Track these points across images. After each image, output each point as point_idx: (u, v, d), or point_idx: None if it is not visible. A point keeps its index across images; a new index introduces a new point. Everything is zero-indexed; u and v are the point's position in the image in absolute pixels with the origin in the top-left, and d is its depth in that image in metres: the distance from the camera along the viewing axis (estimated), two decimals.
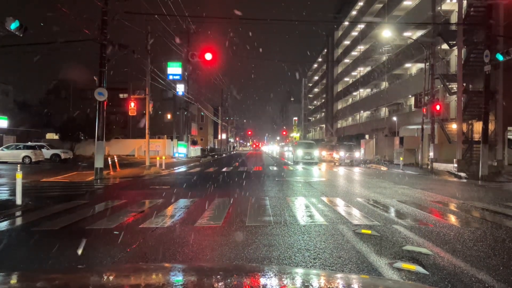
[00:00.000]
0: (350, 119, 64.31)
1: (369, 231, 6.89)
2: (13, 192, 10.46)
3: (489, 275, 4.68)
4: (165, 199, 10.94)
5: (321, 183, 16.72)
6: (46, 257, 5.59)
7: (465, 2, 25.48)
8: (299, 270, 3.27)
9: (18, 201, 9.71)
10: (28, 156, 27.51)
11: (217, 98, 68.27)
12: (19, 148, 28.42)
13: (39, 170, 21.33)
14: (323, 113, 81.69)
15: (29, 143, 31.73)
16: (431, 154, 25.00)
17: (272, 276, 1.87)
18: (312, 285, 1.77)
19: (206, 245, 6.15)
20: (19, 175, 9.99)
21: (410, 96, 37.54)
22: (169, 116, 50.75)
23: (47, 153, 30.33)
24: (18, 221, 8.47)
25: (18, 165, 11.32)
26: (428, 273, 4.70)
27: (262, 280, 1.77)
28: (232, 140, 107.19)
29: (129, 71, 32.17)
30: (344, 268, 4.98)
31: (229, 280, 1.78)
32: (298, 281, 1.85)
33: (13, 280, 1.85)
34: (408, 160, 29.92)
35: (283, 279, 1.83)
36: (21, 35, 12.06)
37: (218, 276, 1.88)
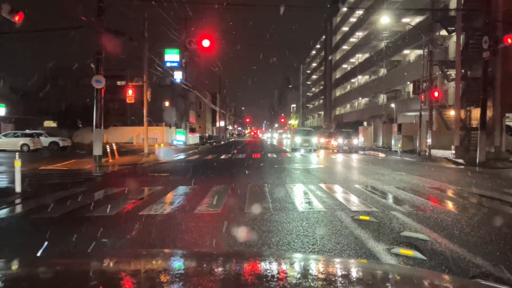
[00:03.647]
0: (348, 106, 64.29)
1: (367, 217, 6.94)
2: (12, 180, 10.48)
3: (485, 260, 4.73)
4: (164, 186, 10.96)
5: (320, 170, 16.77)
6: (46, 244, 5.62)
7: None
8: (298, 255, 3.30)
9: (18, 188, 9.73)
10: (26, 144, 27.45)
11: (215, 84, 68.11)
12: (17, 136, 28.35)
13: (38, 158, 21.31)
14: (321, 100, 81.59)
15: (27, 130, 31.64)
16: (429, 140, 25.04)
17: (272, 261, 1.89)
18: (311, 270, 1.79)
19: (206, 231, 6.19)
20: (17, 163, 9.99)
21: (408, 82, 37.49)
22: (167, 104, 50.59)
23: (45, 141, 30.28)
24: (18, 208, 8.50)
25: (17, 153, 11.29)
26: (425, 258, 4.75)
27: (262, 265, 1.78)
28: (230, 127, 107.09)
29: (126, 58, 32.00)
30: (343, 254, 5.03)
31: (228, 265, 1.80)
32: (297, 266, 1.87)
33: (14, 266, 1.86)
34: (406, 146, 29.96)
35: (282, 264, 1.84)
36: (16, 22, 11.96)
37: (218, 262, 1.89)
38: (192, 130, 49.92)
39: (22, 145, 27.33)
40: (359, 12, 51.98)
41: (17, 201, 9.01)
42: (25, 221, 7.32)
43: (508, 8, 20.38)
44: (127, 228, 6.36)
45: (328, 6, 60.98)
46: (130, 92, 27.92)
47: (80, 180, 13.09)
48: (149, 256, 2.20)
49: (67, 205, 8.23)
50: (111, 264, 1.91)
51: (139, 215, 7.26)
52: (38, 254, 4.99)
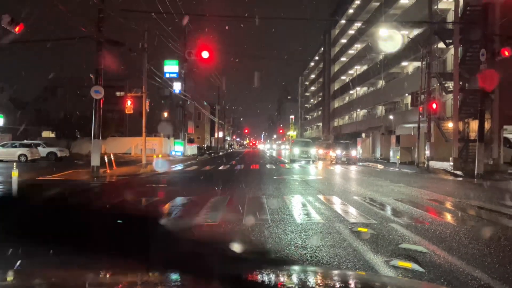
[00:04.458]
0: (346, 117, 64.42)
1: (365, 229, 6.91)
2: (8, 190, 10.42)
3: (484, 272, 4.70)
4: (162, 197, 10.93)
5: (318, 181, 16.74)
6: (42, 256, 5.57)
7: (461, 1, 25.54)
8: (296, 267, 3.27)
9: None
10: (24, 154, 27.35)
11: (214, 96, 68.22)
12: (15, 146, 28.27)
13: (35, 168, 21.24)
14: (320, 112, 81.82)
15: (25, 141, 31.57)
16: (427, 152, 25.06)
17: (270, 273, 1.87)
18: (309, 282, 1.78)
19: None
20: (15, 173, 9.97)
21: (406, 94, 37.60)
22: (165, 114, 50.68)
23: (43, 151, 30.18)
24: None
25: (14, 163, 11.26)
26: (424, 270, 4.72)
27: (259, 277, 1.77)
28: (229, 138, 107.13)
29: (125, 69, 32.11)
30: (341, 266, 4.99)
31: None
32: (295, 278, 1.86)
33: (10, 278, 1.84)
34: (404, 158, 29.97)
35: (280, 276, 1.83)
36: (16, 32, 12.02)
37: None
38: (191, 141, 49.89)
39: (20, 155, 27.23)
40: (358, 25, 52.36)
41: None
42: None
43: (505, 22, 20.55)
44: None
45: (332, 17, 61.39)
46: (129, 102, 27.97)
47: (77, 190, 13.03)
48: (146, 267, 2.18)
49: None
50: (107, 276, 1.89)
51: None
52: (33, 266, 4.94)
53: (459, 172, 20.97)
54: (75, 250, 1.78)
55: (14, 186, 9.81)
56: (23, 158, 27.07)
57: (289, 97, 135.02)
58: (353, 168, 26.57)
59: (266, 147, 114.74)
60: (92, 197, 11.57)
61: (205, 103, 67.21)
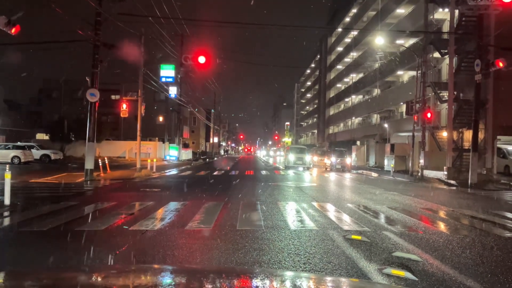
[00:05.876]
0: (342, 125, 64.59)
1: (359, 237, 6.91)
2: (1, 192, 10.35)
3: (477, 282, 4.72)
4: (156, 201, 10.88)
5: (312, 188, 16.74)
6: (34, 257, 5.53)
7: (457, 12, 25.72)
8: (289, 273, 3.26)
9: (7, 201, 9.62)
10: (17, 156, 27.21)
11: (209, 101, 68.24)
12: (8, 148, 28.11)
13: (29, 171, 21.12)
14: (315, 119, 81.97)
15: (18, 143, 31.40)
16: (422, 161, 25.15)
17: (263, 279, 1.87)
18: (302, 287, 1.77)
19: (197, 248, 6.12)
20: (7, 175, 9.90)
21: (401, 103, 37.80)
22: (161, 119, 50.58)
23: (36, 153, 30.03)
24: (6, 221, 8.38)
25: (7, 165, 11.19)
26: (417, 279, 4.73)
27: (253, 283, 1.76)
28: (224, 143, 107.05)
29: (121, 73, 32.12)
30: (334, 273, 4.98)
31: (219, 282, 1.77)
32: (288, 283, 1.85)
33: (0, 280, 1.83)
34: (398, 167, 30.04)
35: (273, 282, 1.82)
36: (12, 34, 11.97)
37: (208, 278, 1.87)
38: (186, 146, 49.83)
39: (13, 157, 27.08)
40: (354, 33, 52.63)
41: (6, 213, 8.89)
42: (13, 234, 7.20)
43: (500, 33, 20.75)
44: (117, 243, 6.28)
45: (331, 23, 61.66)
46: (124, 106, 27.91)
47: (70, 193, 12.96)
48: (139, 271, 2.17)
49: (56, 219, 8.13)
50: (100, 279, 1.88)
51: (129, 230, 7.18)
52: (25, 268, 4.90)
53: (452, 182, 21.05)
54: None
55: (7, 188, 9.75)
56: (16, 160, 26.92)
57: (284, 104, 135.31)
58: (347, 176, 26.61)
59: (262, 154, 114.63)
60: (82, 201, 11.51)
61: (203, 109, 67.15)
